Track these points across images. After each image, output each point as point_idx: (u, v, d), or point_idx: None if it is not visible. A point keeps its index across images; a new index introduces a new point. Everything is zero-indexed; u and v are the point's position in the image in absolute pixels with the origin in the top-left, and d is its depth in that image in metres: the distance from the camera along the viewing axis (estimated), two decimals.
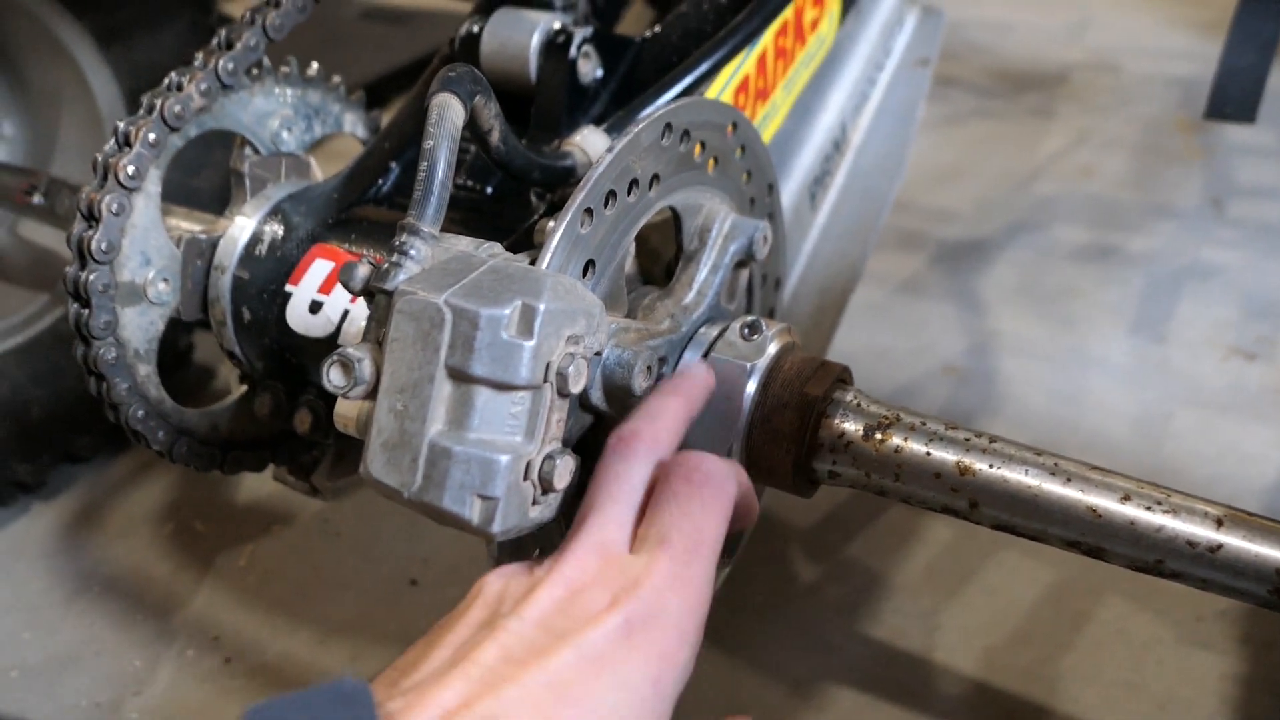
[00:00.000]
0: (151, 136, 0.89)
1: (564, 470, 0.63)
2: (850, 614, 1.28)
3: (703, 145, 0.82)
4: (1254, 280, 1.82)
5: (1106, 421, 1.54)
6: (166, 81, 0.92)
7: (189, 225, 1.00)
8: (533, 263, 0.67)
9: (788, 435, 0.76)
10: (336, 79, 1.07)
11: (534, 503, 0.63)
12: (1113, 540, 0.68)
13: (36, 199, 1.19)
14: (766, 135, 1.11)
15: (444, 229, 0.69)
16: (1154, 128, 2.33)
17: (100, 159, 0.89)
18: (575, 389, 0.62)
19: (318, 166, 1.06)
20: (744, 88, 1.04)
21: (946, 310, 1.81)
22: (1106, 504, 0.69)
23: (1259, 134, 2.23)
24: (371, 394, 0.63)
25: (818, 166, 1.20)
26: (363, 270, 0.65)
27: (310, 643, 1.29)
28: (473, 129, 0.76)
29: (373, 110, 1.13)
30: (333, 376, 0.62)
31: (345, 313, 0.90)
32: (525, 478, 0.62)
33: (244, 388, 1.05)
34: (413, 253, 0.64)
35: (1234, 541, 0.66)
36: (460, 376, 0.60)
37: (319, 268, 0.92)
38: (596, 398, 0.73)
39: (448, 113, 0.66)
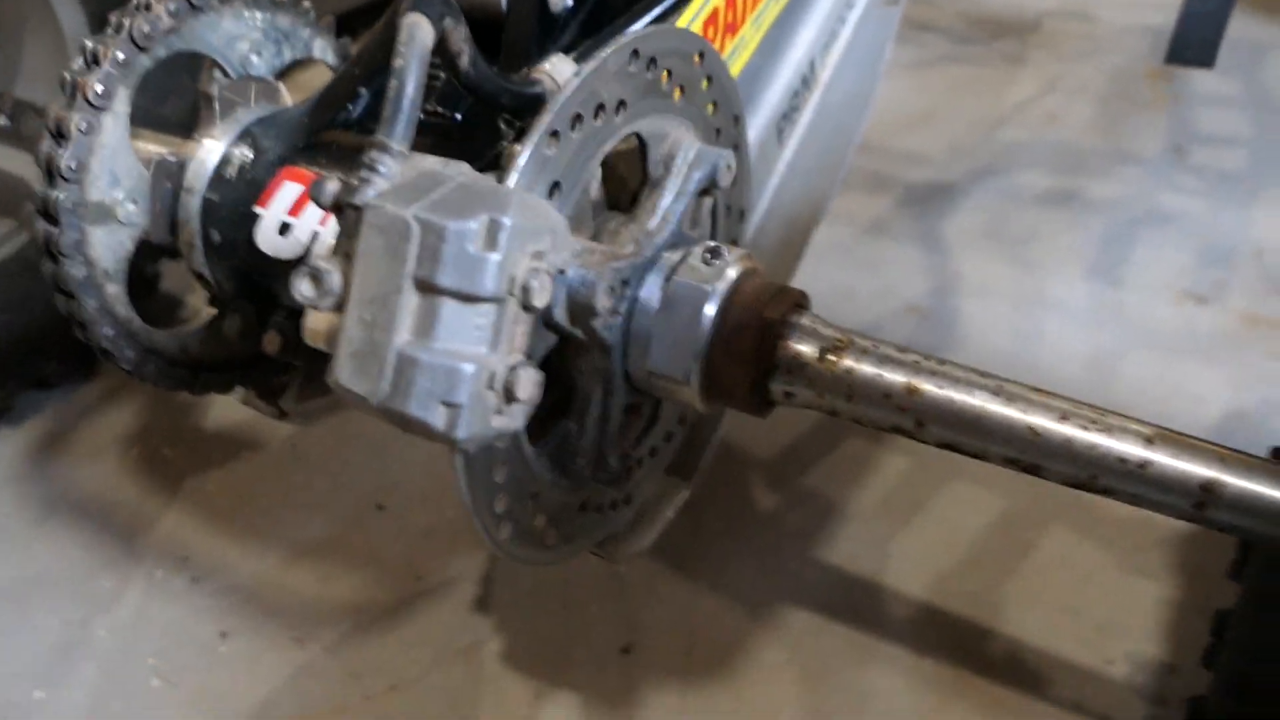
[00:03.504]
0: (120, 55, 0.89)
1: (527, 381, 0.65)
2: (807, 540, 1.32)
3: (669, 73, 0.83)
4: (1210, 227, 1.86)
5: (1062, 362, 1.58)
6: (134, 1, 0.92)
7: (158, 147, 1.00)
8: (500, 182, 0.69)
9: (745, 356, 0.79)
10: (306, 3, 1.07)
11: (497, 412, 0.65)
12: (1050, 458, 0.72)
13: (1, 121, 1.18)
14: (735, 69, 1.12)
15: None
16: (1122, 76, 2.35)
17: (69, 77, 0.88)
18: (539, 303, 0.65)
19: (287, 92, 1.06)
20: (713, 20, 1.05)
21: (911, 252, 1.83)
22: (1045, 423, 0.72)
23: (1224, 82, 2.26)
24: (340, 306, 0.64)
25: (785, 102, 1.22)
26: (332, 186, 0.66)
27: (279, 564, 1.32)
28: (442, 53, 0.77)
29: (342, 38, 1.12)
30: (303, 288, 0.64)
31: (314, 234, 0.91)
32: (489, 386, 0.64)
33: (213, 310, 1.06)
34: (382, 169, 0.66)
35: (1161, 459, 0.69)
36: (427, 288, 0.61)
37: (288, 190, 0.93)
38: (560, 315, 0.75)
39: (417, 33, 0.67)
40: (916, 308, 1.70)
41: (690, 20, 1.01)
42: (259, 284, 0.98)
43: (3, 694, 1.18)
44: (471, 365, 0.62)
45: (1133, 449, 0.70)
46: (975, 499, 1.36)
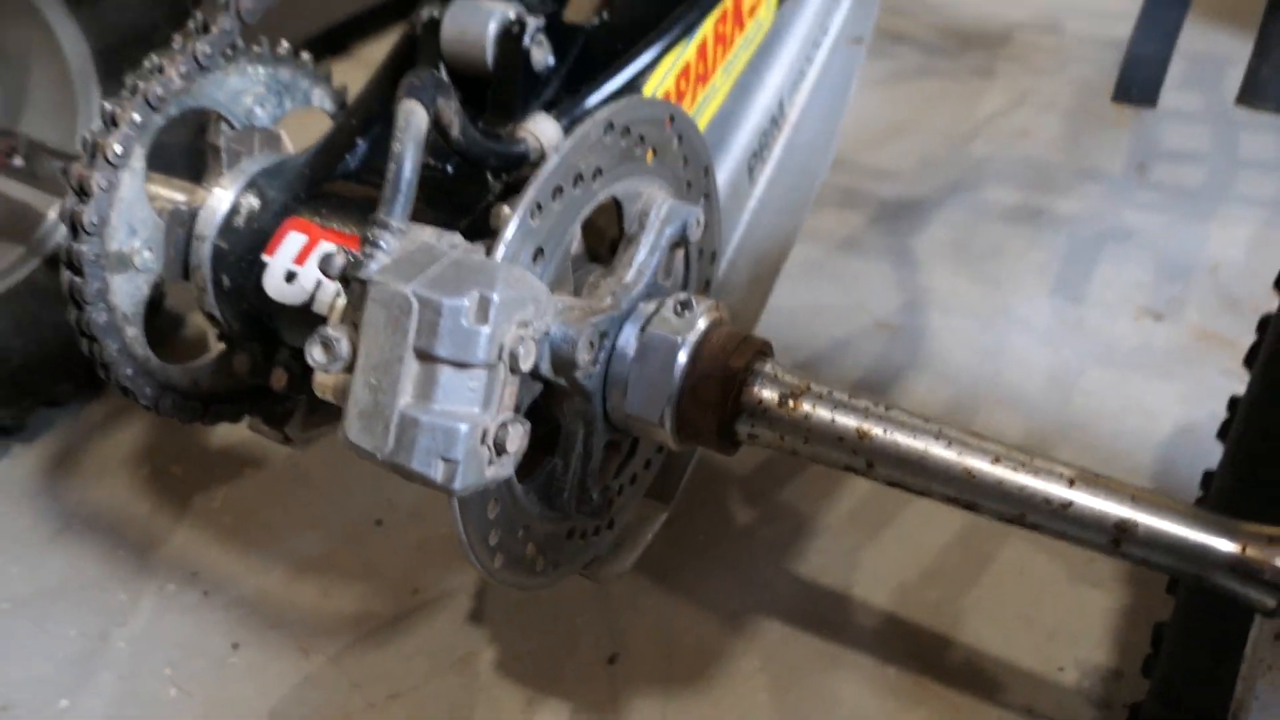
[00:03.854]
0: (136, 118, 0.96)
1: (515, 435, 0.73)
2: (780, 553, 1.41)
3: (642, 139, 0.91)
4: (1168, 243, 1.95)
5: (1024, 378, 1.67)
6: (147, 64, 0.99)
7: (170, 194, 1.08)
8: (489, 251, 0.77)
9: (712, 402, 0.87)
10: (306, 56, 1.14)
11: (490, 463, 0.73)
12: (984, 497, 0.80)
13: (16, 161, 1.25)
14: (707, 114, 1.20)
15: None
16: (1089, 90, 2.43)
17: (89, 138, 0.96)
18: (526, 366, 0.72)
19: (288, 139, 1.13)
20: (685, 74, 1.12)
21: (882, 268, 1.92)
22: (980, 465, 0.80)
23: (1186, 97, 2.35)
24: (349, 368, 0.72)
25: (756, 142, 1.30)
26: (340, 260, 0.74)
27: (283, 579, 1.40)
28: (436, 124, 0.84)
29: (338, 86, 1.19)
30: (315, 354, 0.71)
31: (318, 282, 0.99)
32: (482, 442, 0.72)
33: (222, 346, 1.13)
34: (383, 244, 0.73)
35: (1081, 499, 0.78)
36: (426, 357, 0.69)
37: (293, 240, 1.01)
38: (545, 369, 0.83)
39: (413, 120, 0.75)
40: (886, 324, 1.78)
41: (663, 76, 1.09)
42: (266, 325, 1.06)
43: (30, 702, 1.26)
44: (466, 425, 0.70)
45: (1056, 490, 0.78)
46: (937, 515, 1.45)
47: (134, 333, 1.04)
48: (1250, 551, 0.73)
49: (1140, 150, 2.20)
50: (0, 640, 1.32)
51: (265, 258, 1.02)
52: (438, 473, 0.70)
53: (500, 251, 0.75)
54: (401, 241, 0.75)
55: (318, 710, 1.24)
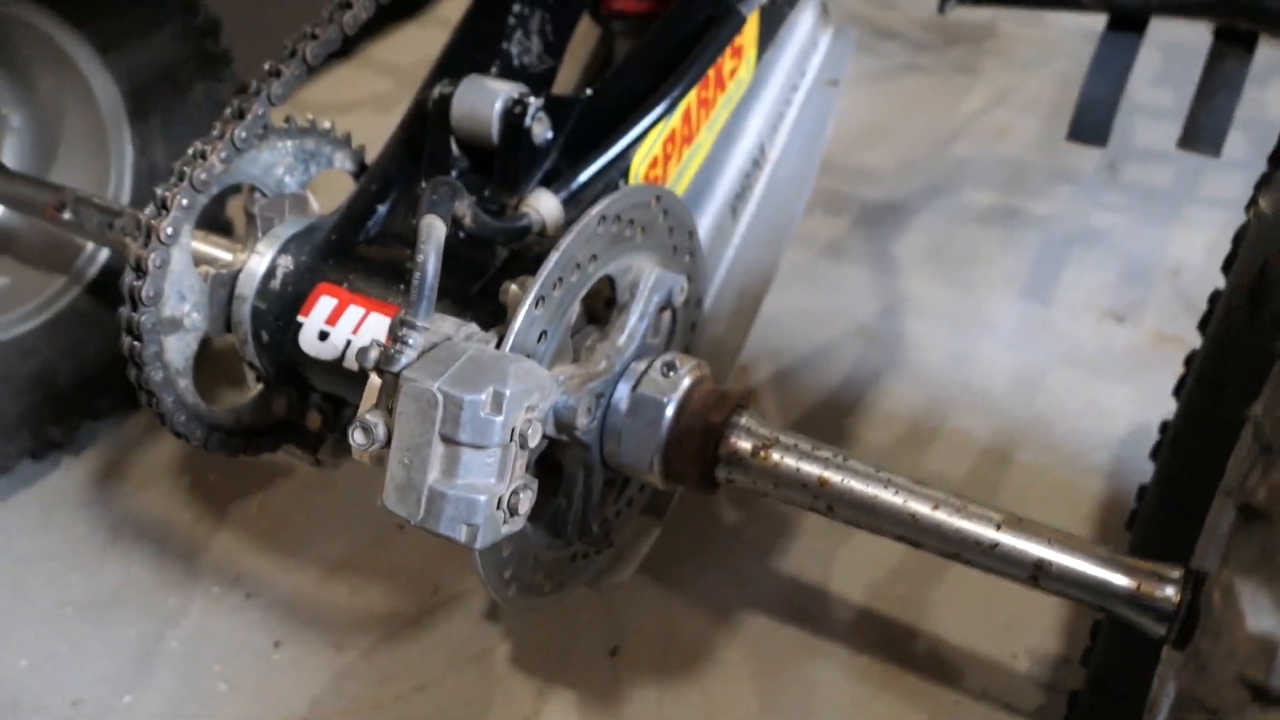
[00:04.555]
0: (184, 201, 1.09)
1: (525, 500, 0.88)
2: (764, 552, 1.56)
3: (632, 221, 1.03)
4: (1133, 244, 2.07)
5: (992, 380, 1.80)
6: (192, 150, 1.11)
7: (213, 253, 1.21)
8: (500, 341, 0.90)
9: (694, 453, 1.00)
10: (328, 124, 1.26)
11: (504, 522, 0.87)
12: (925, 537, 0.94)
13: (66, 215, 1.38)
14: (693, 168, 1.32)
15: None
16: (1069, 85, 2.49)
17: (144, 221, 1.08)
18: (534, 443, 0.86)
19: (315, 201, 1.25)
20: (671, 138, 1.24)
21: (863, 273, 2.04)
22: (922, 510, 0.94)
23: (1159, 93, 2.45)
24: (385, 446, 0.86)
25: (738, 185, 1.42)
26: (374, 353, 0.87)
27: (315, 579, 1.55)
28: (453, 221, 0.97)
29: (357, 147, 1.31)
30: (356, 437, 0.85)
31: (348, 342, 1.12)
32: (498, 508, 0.86)
33: (260, 386, 1.27)
34: (410, 341, 0.87)
35: (1006, 540, 0.92)
36: (450, 441, 0.83)
37: (325, 303, 1.14)
38: (550, 430, 0.97)
39: (434, 232, 0.88)
40: (865, 330, 1.91)
41: (651, 143, 1.21)
42: (301, 374, 1.20)
43: (97, 698, 1.42)
44: (484, 496, 0.84)
45: (986, 532, 0.92)
46: None
47: (185, 384, 1.17)
48: (1143, 587, 0.87)
49: (1112, 148, 2.29)
50: (67, 642, 1.48)
51: (300, 318, 1.15)
52: (462, 535, 0.84)
53: (509, 342, 0.89)
54: (426, 336, 0.88)
55: (353, 701, 1.40)
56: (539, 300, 0.92)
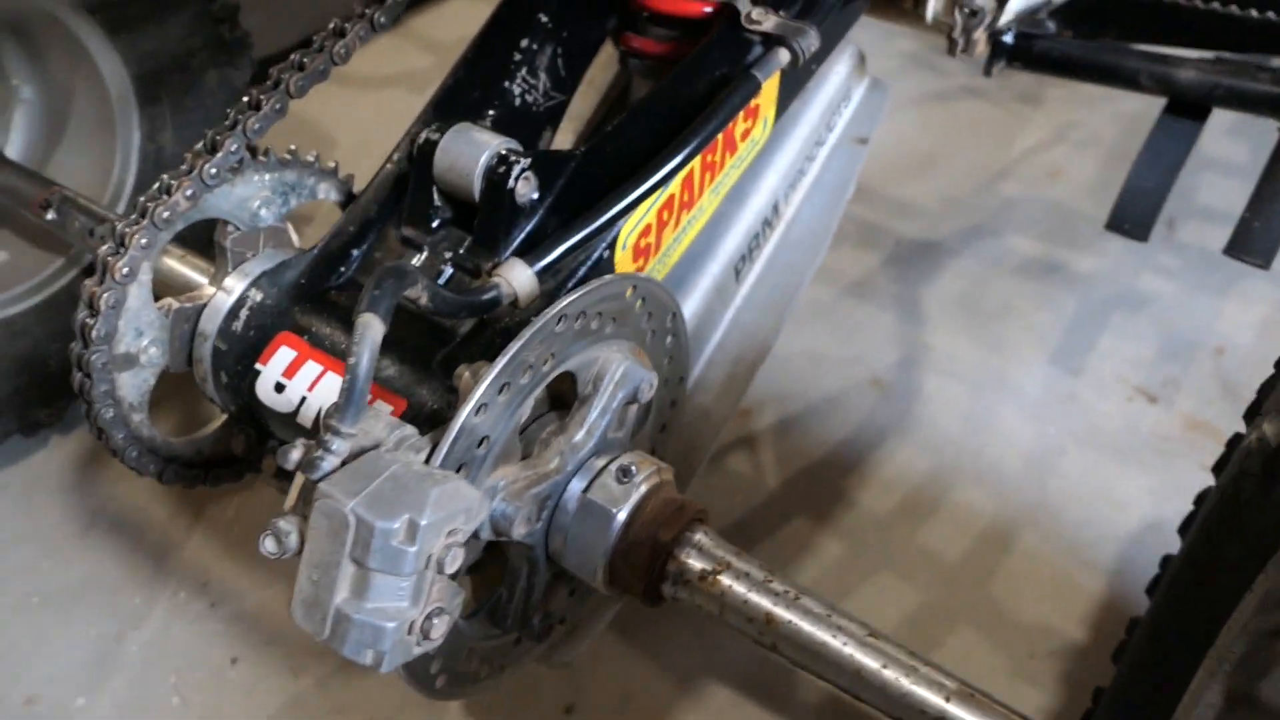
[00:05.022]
0: (144, 241, 1.04)
1: (440, 625, 0.83)
2: None
3: (600, 314, 0.97)
4: (1179, 315, 1.94)
5: (1005, 453, 1.71)
6: (157, 185, 1.06)
7: (187, 275, 1.16)
8: (433, 451, 0.84)
9: (641, 569, 0.95)
10: (311, 156, 1.20)
11: (417, 645, 0.83)
12: (870, 694, 0.88)
13: (50, 214, 1.34)
14: (692, 233, 1.24)
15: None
16: (1134, 126, 2.36)
17: (99, 258, 1.04)
18: (451, 570, 0.81)
19: (294, 234, 1.20)
20: (668, 204, 1.17)
21: (887, 318, 1.95)
22: (870, 666, 0.88)
23: (1234, 146, 2.29)
24: (298, 554, 0.81)
25: (745, 245, 1.34)
26: (295, 454, 0.82)
27: (282, 595, 1.50)
28: (407, 300, 0.91)
29: (344, 177, 1.25)
30: (267, 545, 0.81)
31: (303, 398, 1.07)
32: (409, 633, 0.81)
33: (223, 416, 1.23)
34: (334, 448, 0.82)
35: (957, 712, 0.85)
36: (360, 564, 0.78)
37: (283, 354, 1.09)
38: (486, 535, 0.91)
39: (369, 333, 0.82)
40: (879, 381, 1.83)
41: (643, 213, 1.14)
42: (259, 418, 1.15)
43: (53, 697, 1.42)
44: (394, 623, 0.79)
45: (935, 701, 0.86)
46: (897, 592, 1.52)
47: (139, 418, 1.14)
48: None
49: (1173, 202, 2.16)
50: (30, 634, 1.48)
51: (259, 366, 1.10)
52: (368, 659, 0.80)
53: (440, 458, 0.83)
54: (353, 441, 0.83)
55: None
56: (480, 408, 0.86)
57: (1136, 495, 1.65)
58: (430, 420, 0.99)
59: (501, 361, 0.86)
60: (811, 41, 1.16)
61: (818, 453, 1.72)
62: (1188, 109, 1.31)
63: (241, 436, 1.20)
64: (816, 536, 1.59)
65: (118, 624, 1.50)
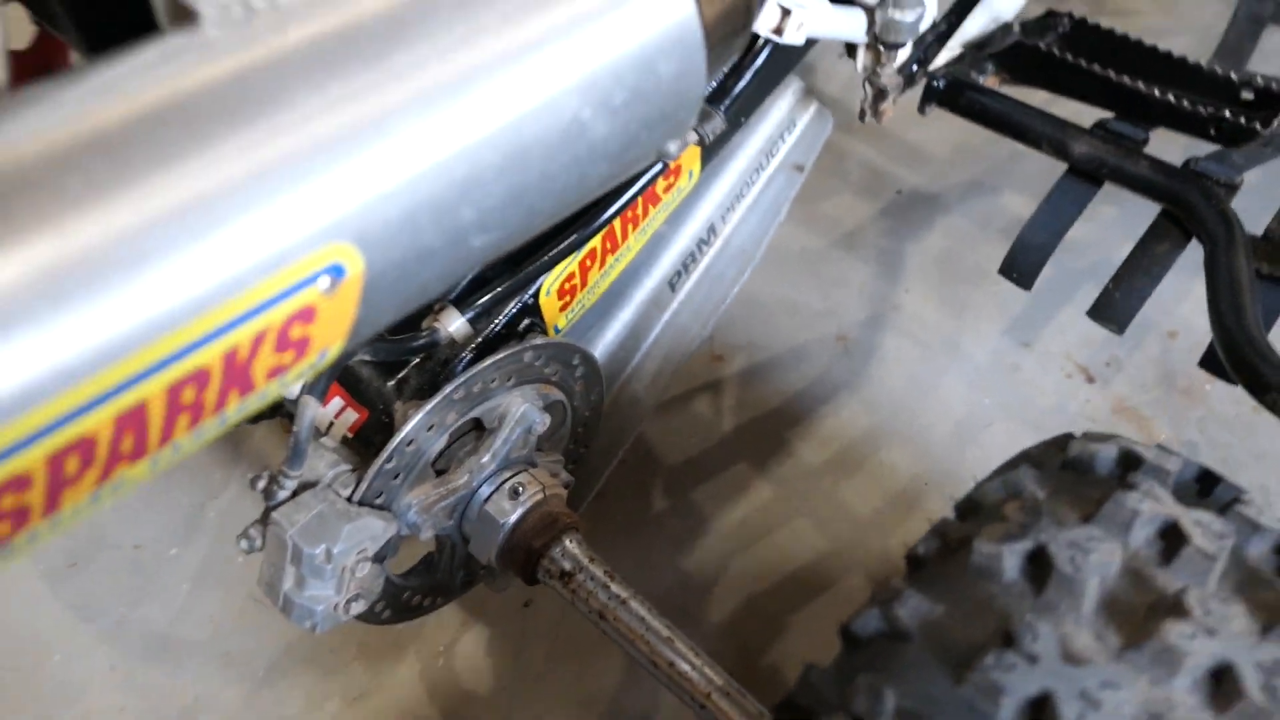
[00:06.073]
0: None
1: (358, 606, 1.20)
2: (677, 546, 1.84)
3: (499, 375, 1.26)
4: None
5: (938, 419, 1.94)
6: None
7: None
8: (355, 489, 1.19)
9: (519, 563, 1.30)
10: None
11: (344, 614, 1.21)
12: (660, 676, 1.22)
13: None
14: (620, 266, 1.49)
15: None
16: None
17: None
18: (362, 575, 1.17)
19: None
20: (590, 255, 1.42)
21: (867, 272, 2.14)
22: (665, 655, 1.21)
23: None
24: (262, 550, 1.19)
25: (680, 264, 1.57)
26: (262, 483, 1.18)
27: None
28: (346, 358, 1.23)
29: None
30: (242, 543, 1.18)
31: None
32: (335, 610, 1.19)
33: None
34: (285, 485, 1.17)
35: (719, 701, 1.19)
36: (297, 569, 1.15)
37: None
38: (404, 532, 1.27)
39: (306, 411, 1.15)
40: (845, 337, 2.05)
41: (565, 268, 1.39)
42: None
43: (153, 546, 1.91)
44: (322, 605, 1.17)
45: (704, 689, 1.19)
46: (810, 538, 1.83)
47: None
48: None
49: None
50: (141, 498, 1.96)
51: None
52: (306, 626, 1.18)
53: (359, 495, 1.18)
54: (299, 479, 1.18)
55: None
56: (391, 456, 1.19)
57: None
58: (385, 430, 1.32)
59: (400, 436, 1.18)
60: (716, 125, 1.35)
61: (774, 402, 1.99)
62: (1085, 175, 1.43)
63: None
64: (753, 481, 1.89)
65: (202, 495, 1.96)
